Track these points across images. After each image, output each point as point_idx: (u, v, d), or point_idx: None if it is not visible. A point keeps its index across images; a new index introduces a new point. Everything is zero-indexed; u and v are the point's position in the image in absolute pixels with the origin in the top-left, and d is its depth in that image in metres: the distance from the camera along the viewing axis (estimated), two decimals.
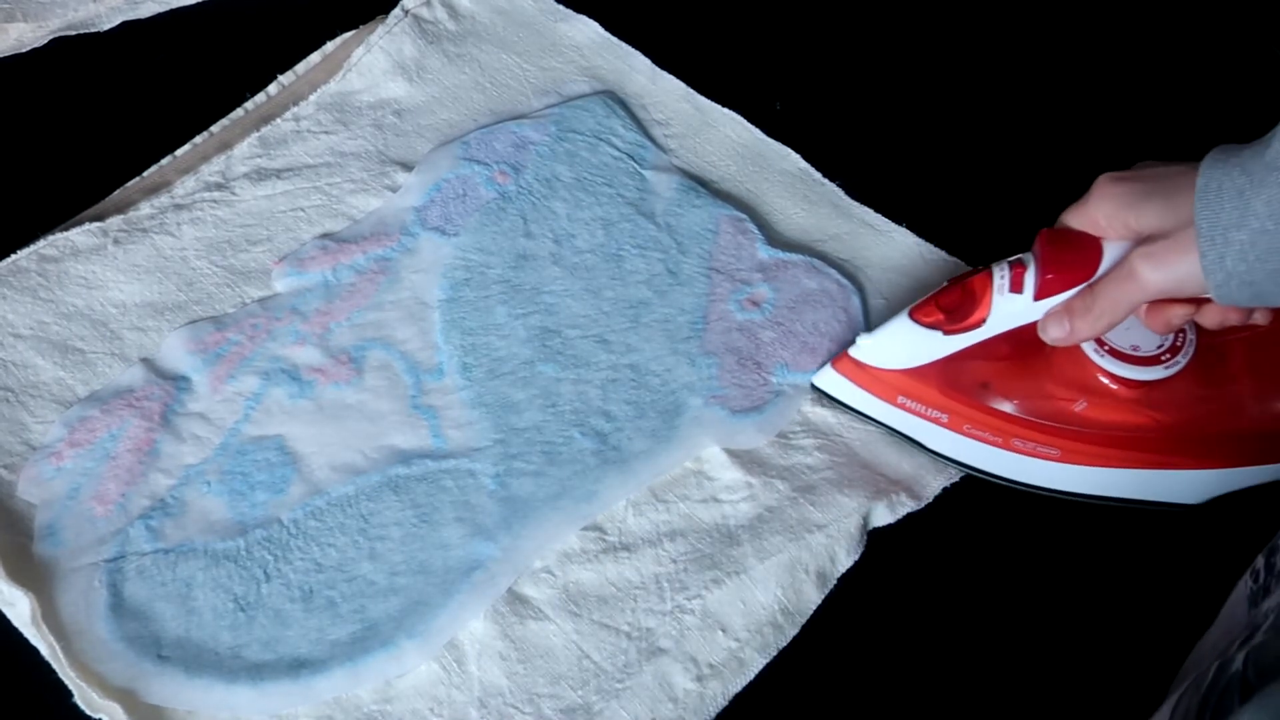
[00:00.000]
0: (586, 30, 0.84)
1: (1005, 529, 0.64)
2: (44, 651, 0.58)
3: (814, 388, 0.67)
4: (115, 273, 0.72)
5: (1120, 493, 0.63)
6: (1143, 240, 0.56)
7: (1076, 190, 0.77)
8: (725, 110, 0.80)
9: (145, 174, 0.76)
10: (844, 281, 0.72)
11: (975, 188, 0.77)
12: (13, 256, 0.72)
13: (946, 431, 0.64)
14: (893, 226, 0.75)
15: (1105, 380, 0.62)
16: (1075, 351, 0.62)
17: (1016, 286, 0.60)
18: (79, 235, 0.72)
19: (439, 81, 0.81)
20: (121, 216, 0.74)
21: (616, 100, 0.80)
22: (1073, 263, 0.58)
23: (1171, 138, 0.79)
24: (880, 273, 0.73)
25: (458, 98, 0.80)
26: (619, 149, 0.77)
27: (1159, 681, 0.54)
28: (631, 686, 0.59)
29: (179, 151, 0.77)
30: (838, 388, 0.65)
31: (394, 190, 0.76)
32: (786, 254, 0.73)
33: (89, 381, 0.68)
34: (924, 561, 0.63)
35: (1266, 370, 0.63)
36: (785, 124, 0.79)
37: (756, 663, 0.60)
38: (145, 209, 0.74)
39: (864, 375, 0.64)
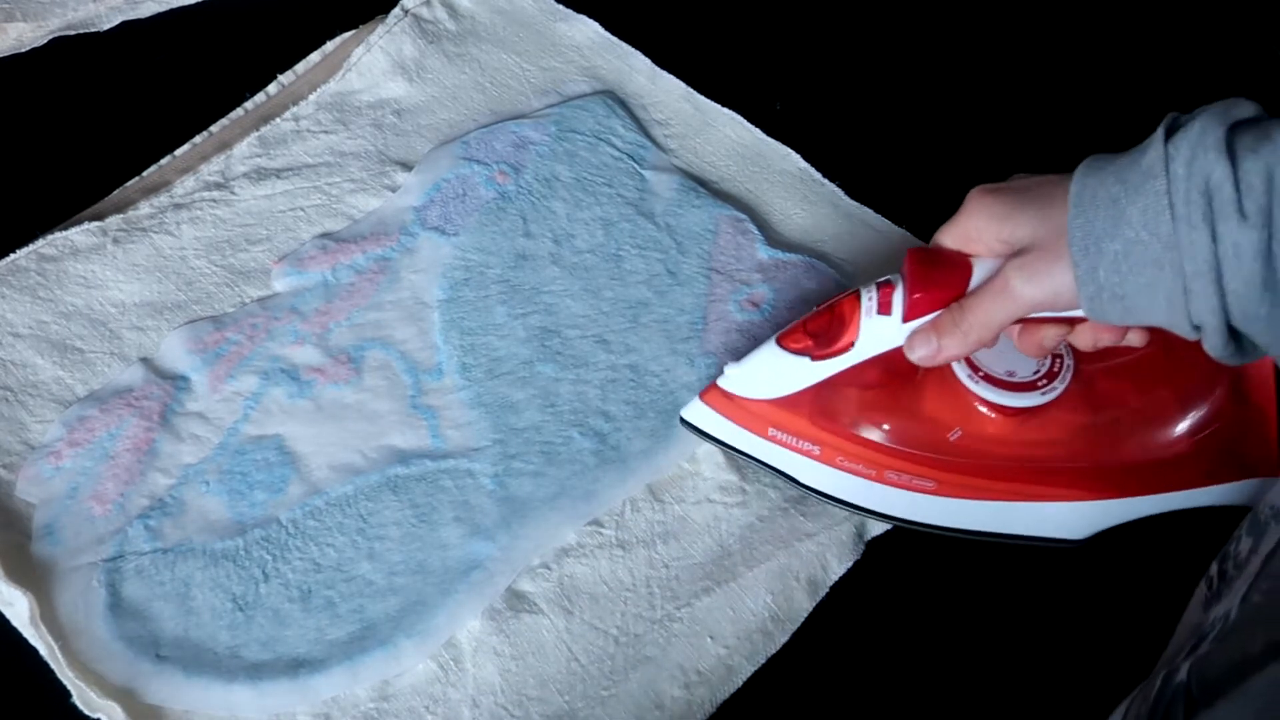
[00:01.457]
0: (586, 30, 0.84)
1: None
2: (42, 651, 0.58)
3: (683, 422, 0.64)
4: (114, 272, 0.72)
5: (1000, 528, 0.61)
6: (1015, 253, 0.53)
7: None
8: (725, 110, 0.80)
9: (145, 174, 0.76)
10: (844, 283, 0.72)
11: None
12: (12, 256, 0.72)
13: (819, 465, 0.61)
14: (892, 227, 0.75)
15: (980, 407, 0.60)
16: (949, 378, 0.60)
17: (885, 308, 0.57)
18: (78, 235, 0.72)
19: (439, 81, 0.81)
20: (121, 216, 0.74)
21: (616, 100, 0.80)
22: (941, 281, 0.56)
23: None
24: (880, 273, 0.72)
25: (457, 97, 0.80)
26: (619, 149, 0.77)
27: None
28: (617, 694, 0.59)
29: (178, 151, 0.77)
30: (707, 421, 0.62)
31: (393, 190, 0.76)
32: (786, 254, 0.73)
33: (88, 381, 0.68)
34: (918, 568, 0.63)
35: (1146, 396, 0.61)
36: (785, 124, 0.79)
37: (745, 670, 0.60)
38: (145, 208, 0.74)
39: (733, 407, 0.61)
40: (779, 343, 0.60)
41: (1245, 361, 0.50)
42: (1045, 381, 0.59)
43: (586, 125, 0.78)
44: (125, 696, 0.57)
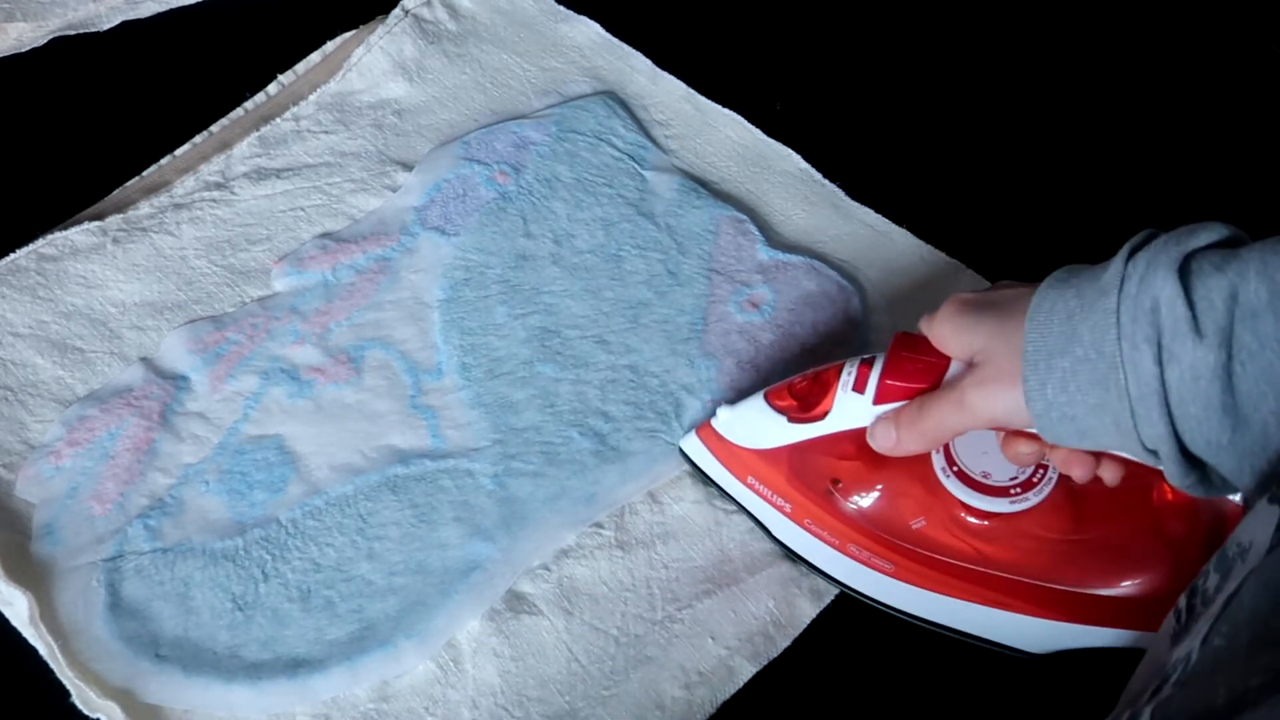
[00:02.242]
0: (587, 31, 0.84)
1: None
2: (42, 651, 0.58)
3: (681, 452, 0.64)
4: (114, 272, 0.72)
5: (953, 623, 0.59)
6: (976, 364, 0.53)
7: (1076, 192, 0.77)
8: (725, 110, 0.80)
9: (145, 173, 0.76)
10: (844, 283, 0.72)
11: (976, 189, 0.77)
12: (12, 255, 0.72)
13: (788, 521, 0.61)
14: (893, 227, 0.75)
15: (947, 502, 0.58)
16: (924, 465, 0.58)
17: (860, 386, 0.57)
18: (78, 234, 0.72)
19: (439, 81, 0.81)
20: (121, 216, 0.74)
21: (617, 100, 0.80)
22: (914, 372, 0.55)
23: (1171, 138, 0.79)
24: (881, 274, 0.73)
25: (458, 98, 0.80)
26: (619, 149, 0.77)
27: None
28: (618, 694, 0.59)
29: (178, 151, 0.77)
30: (698, 455, 0.63)
31: (394, 190, 0.76)
32: (787, 255, 0.73)
33: (88, 380, 0.68)
34: None
35: (1125, 531, 0.58)
36: (785, 124, 0.79)
37: (746, 670, 0.60)
38: (145, 208, 0.74)
39: (722, 448, 0.62)
40: (766, 396, 0.61)
41: (1214, 494, 0.49)
42: (1019, 490, 0.57)
43: (587, 125, 0.78)
44: (125, 696, 0.57)
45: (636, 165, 0.77)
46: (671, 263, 0.73)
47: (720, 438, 0.62)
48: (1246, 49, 0.84)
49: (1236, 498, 0.55)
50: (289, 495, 0.64)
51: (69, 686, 0.57)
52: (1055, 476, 0.58)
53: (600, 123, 0.78)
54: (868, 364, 0.58)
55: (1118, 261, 0.48)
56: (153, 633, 0.60)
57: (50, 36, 0.82)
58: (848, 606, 0.61)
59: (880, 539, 0.59)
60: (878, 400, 0.56)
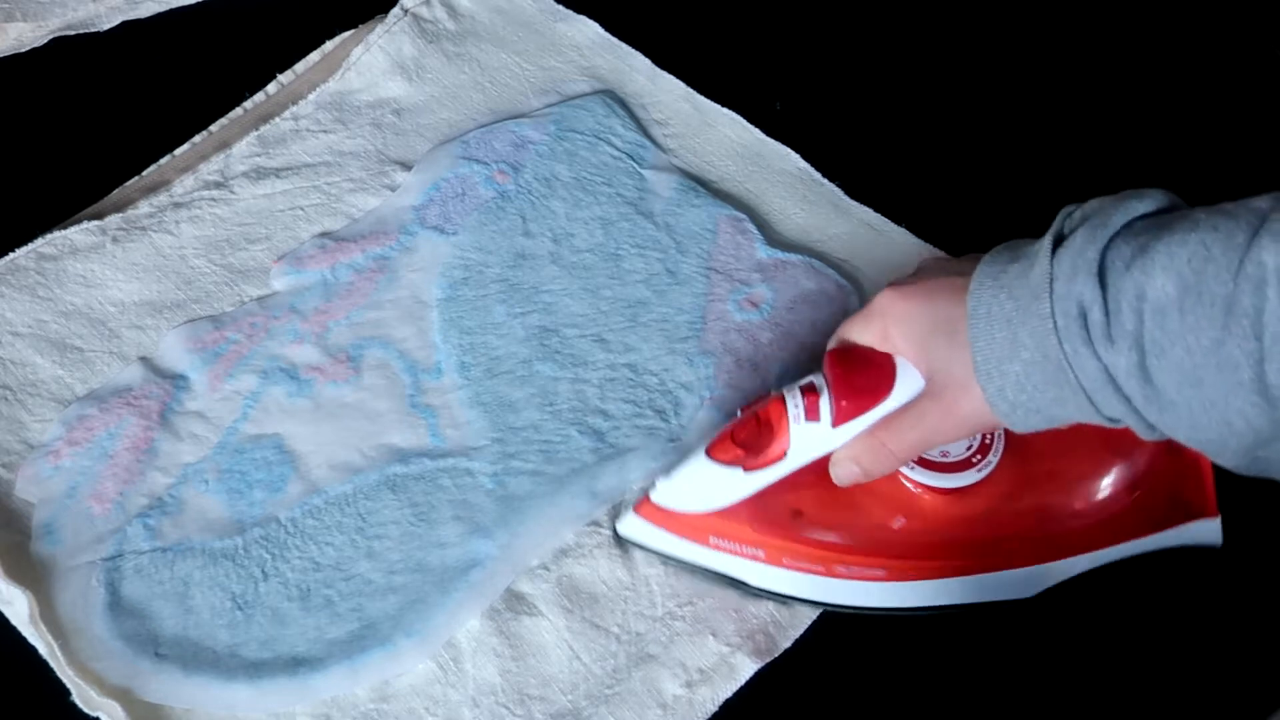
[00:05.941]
0: (586, 30, 0.84)
1: None
2: (42, 650, 0.58)
3: (617, 538, 0.62)
4: (114, 271, 0.72)
5: (953, 600, 0.60)
6: (932, 381, 0.54)
7: (1074, 191, 0.77)
8: (725, 110, 0.80)
9: (144, 173, 0.76)
10: (843, 282, 0.72)
11: (975, 188, 0.77)
12: (11, 255, 0.72)
13: (766, 566, 0.60)
14: (892, 227, 0.75)
15: (919, 493, 0.59)
16: None
17: (812, 414, 0.56)
18: (77, 234, 0.72)
19: (438, 81, 0.81)
20: (120, 215, 0.74)
21: (616, 100, 0.80)
22: (866, 386, 0.56)
23: (1171, 138, 0.79)
24: (880, 274, 0.73)
25: (457, 97, 0.80)
26: (618, 148, 0.77)
27: None
28: (620, 692, 0.59)
29: (178, 150, 0.77)
30: (643, 535, 0.61)
31: (393, 189, 0.76)
32: (786, 254, 0.73)
33: (87, 380, 0.68)
34: None
35: (1082, 459, 0.60)
36: (785, 124, 0.79)
37: (748, 667, 0.59)
38: (144, 208, 0.74)
39: (670, 519, 0.60)
40: (708, 454, 0.59)
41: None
42: (979, 457, 0.59)
43: (586, 125, 0.78)
44: (124, 695, 0.57)
45: (635, 164, 0.77)
46: (670, 261, 0.73)
47: (666, 511, 0.60)
48: (1246, 49, 0.84)
49: None
50: (288, 494, 0.64)
51: (69, 685, 0.57)
52: (1003, 433, 0.59)
53: (599, 122, 0.79)
54: (810, 390, 0.57)
55: (1043, 259, 0.49)
56: (152, 632, 0.60)
57: (50, 36, 0.82)
58: None
59: (865, 550, 0.59)
60: (836, 422, 0.56)
